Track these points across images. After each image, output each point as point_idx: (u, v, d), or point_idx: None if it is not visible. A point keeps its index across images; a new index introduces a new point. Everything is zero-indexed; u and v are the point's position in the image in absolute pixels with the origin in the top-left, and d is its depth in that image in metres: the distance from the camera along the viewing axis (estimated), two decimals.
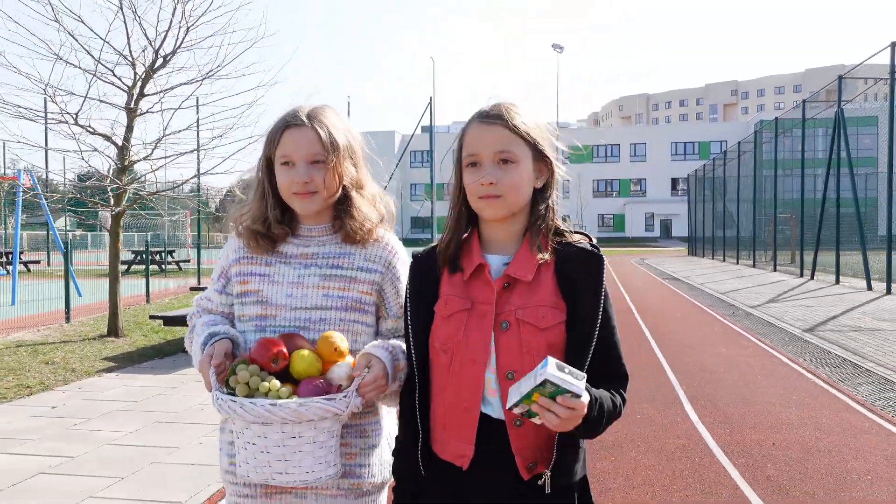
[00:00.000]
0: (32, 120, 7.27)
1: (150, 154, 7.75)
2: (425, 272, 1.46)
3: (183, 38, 7.71)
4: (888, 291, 12.52)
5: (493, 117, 1.39)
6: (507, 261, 1.40)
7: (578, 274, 1.37)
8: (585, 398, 1.17)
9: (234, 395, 1.32)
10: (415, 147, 58.68)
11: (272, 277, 1.56)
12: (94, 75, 7.11)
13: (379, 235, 1.61)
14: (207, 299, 1.65)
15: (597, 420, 1.25)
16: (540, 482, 1.31)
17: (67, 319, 9.23)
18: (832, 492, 3.35)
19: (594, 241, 1.43)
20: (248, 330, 1.55)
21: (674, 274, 20.22)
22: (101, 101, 7.53)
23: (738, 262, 25.26)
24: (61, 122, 7.18)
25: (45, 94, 6.88)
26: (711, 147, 57.69)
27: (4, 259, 22.26)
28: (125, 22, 7.64)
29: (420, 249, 1.50)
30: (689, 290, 14.62)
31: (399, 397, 1.48)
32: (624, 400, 1.37)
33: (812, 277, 16.77)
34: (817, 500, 3.24)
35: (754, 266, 22.95)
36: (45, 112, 9.69)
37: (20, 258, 22.63)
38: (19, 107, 7.58)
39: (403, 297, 1.57)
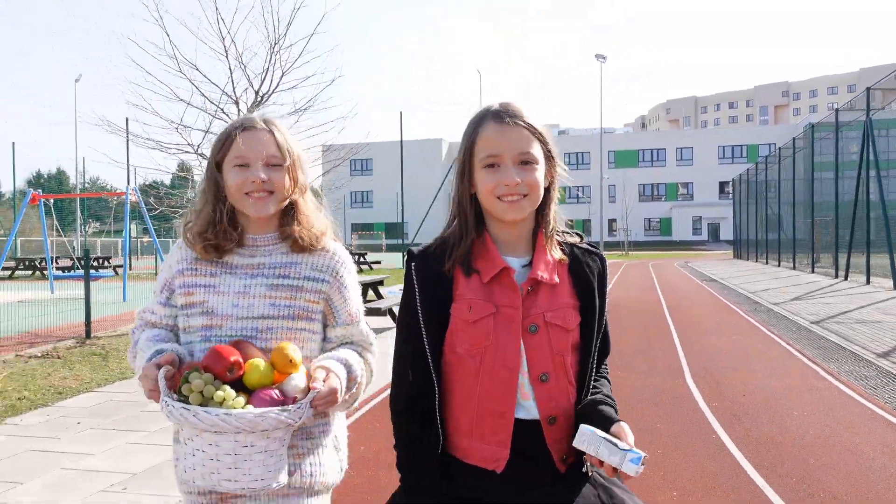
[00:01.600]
0: (161, 150, 9.08)
1: None
2: (434, 274, 1.41)
3: (279, 81, 9.41)
4: None
5: (512, 117, 1.37)
6: (524, 263, 1.41)
7: (589, 274, 1.43)
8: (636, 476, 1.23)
9: (186, 402, 1.33)
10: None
11: (217, 288, 1.55)
12: (214, 116, 8.88)
13: (325, 244, 1.62)
14: (151, 312, 1.63)
15: None
16: (584, 469, 1.34)
17: None
18: (773, 420, 4.68)
19: (587, 241, 1.51)
20: (194, 341, 1.55)
21: (712, 276, 21.15)
22: (212, 133, 9.29)
23: (779, 265, 25.91)
24: (186, 152, 8.97)
25: (178, 131, 8.68)
26: (760, 150, 57.51)
27: (80, 265, 24.78)
28: (230, 69, 9.40)
29: (415, 248, 1.47)
30: (721, 290, 15.69)
31: (351, 401, 1.56)
32: (608, 371, 1.55)
33: (846, 278, 17.54)
34: (759, 424, 4.59)
35: (794, 268, 23.61)
36: (127, 134, 11.61)
37: (108, 263, 25.20)
38: (149, 139, 9.42)
39: (351, 304, 1.61)
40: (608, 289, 1.48)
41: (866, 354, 7.12)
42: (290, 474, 1.50)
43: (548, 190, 1.43)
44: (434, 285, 1.41)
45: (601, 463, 1.25)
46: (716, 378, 6.07)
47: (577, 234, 1.49)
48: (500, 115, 1.38)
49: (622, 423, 1.32)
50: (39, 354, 7.37)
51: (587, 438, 1.26)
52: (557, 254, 1.43)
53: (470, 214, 1.42)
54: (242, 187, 1.52)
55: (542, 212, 1.43)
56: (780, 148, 27.13)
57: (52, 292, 15.97)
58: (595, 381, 1.47)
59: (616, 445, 1.24)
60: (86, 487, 3.59)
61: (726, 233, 56.07)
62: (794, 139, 24.81)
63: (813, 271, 21.50)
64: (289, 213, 1.60)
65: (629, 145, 65.07)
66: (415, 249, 1.46)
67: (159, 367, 1.39)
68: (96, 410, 5.22)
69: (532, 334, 1.36)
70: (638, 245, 54.74)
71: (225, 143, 1.55)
